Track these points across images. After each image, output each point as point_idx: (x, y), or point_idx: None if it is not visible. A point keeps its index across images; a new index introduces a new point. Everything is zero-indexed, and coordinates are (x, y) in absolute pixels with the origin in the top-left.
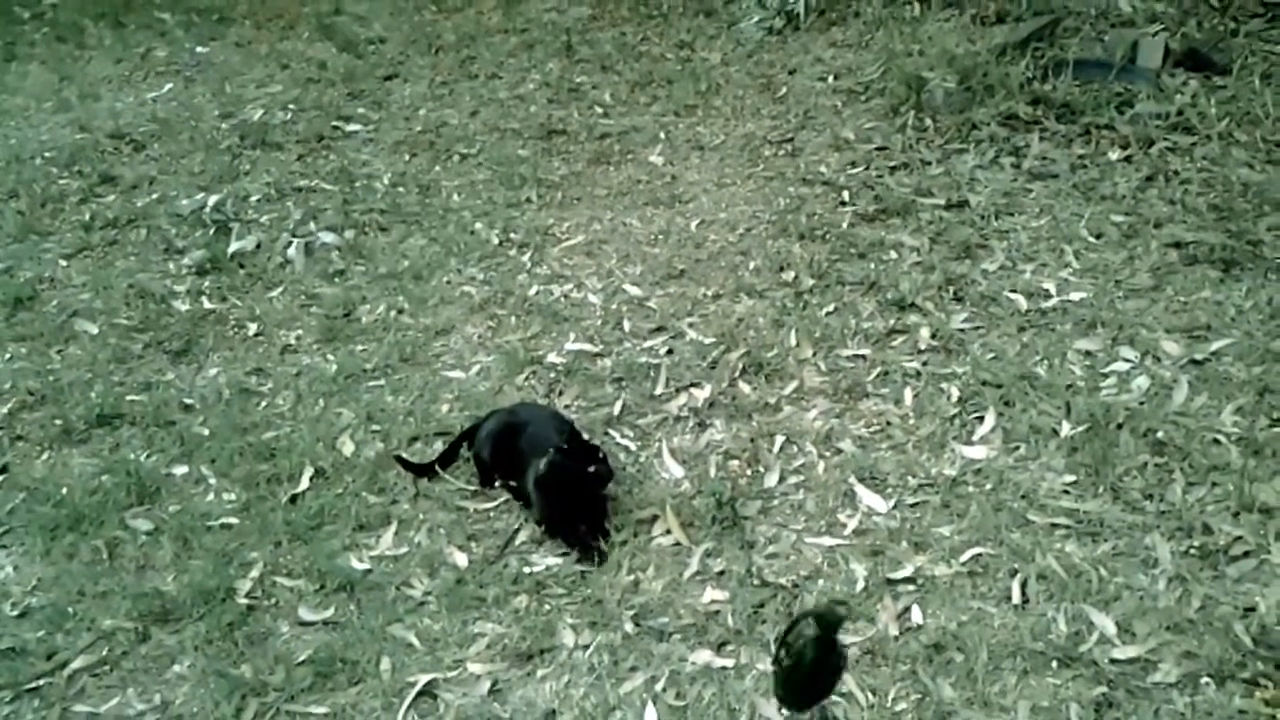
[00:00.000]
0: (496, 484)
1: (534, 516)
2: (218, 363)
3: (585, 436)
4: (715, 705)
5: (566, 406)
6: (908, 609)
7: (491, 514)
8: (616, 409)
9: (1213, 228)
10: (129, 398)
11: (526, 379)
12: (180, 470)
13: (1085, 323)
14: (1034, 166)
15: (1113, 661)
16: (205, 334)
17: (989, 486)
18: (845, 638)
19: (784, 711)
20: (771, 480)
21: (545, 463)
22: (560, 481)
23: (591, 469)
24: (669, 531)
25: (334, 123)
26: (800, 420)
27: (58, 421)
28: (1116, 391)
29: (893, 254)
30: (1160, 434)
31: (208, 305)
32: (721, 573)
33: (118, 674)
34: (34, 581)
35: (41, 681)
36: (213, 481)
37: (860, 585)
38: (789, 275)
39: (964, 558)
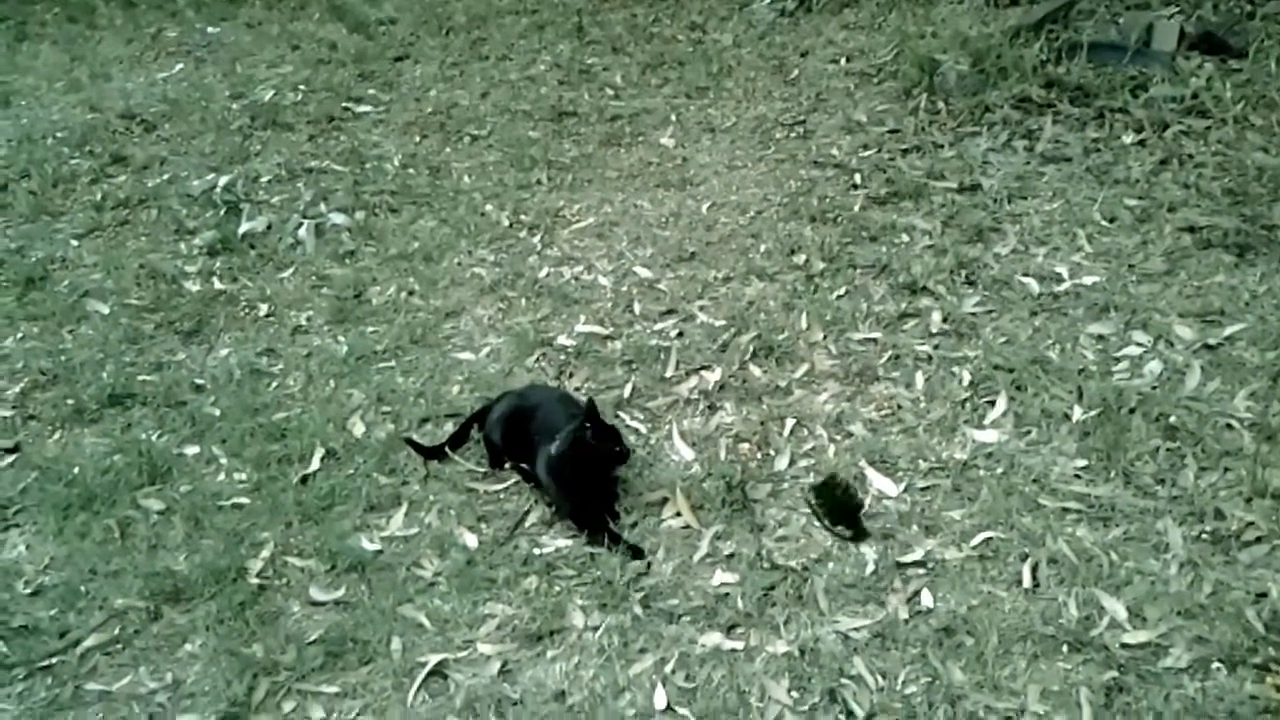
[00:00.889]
0: (507, 466)
1: (547, 498)
2: (229, 343)
3: None
4: (724, 687)
5: (577, 389)
6: (918, 593)
7: (501, 495)
8: (626, 391)
9: (1227, 212)
10: (140, 378)
11: (537, 361)
12: (191, 450)
13: (1098, 307)
14: (1047, 150)
15: (1123, 646)
16: (216, 314)
17: (1000, 470)
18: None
19: (843, 533)
20: (782, 463)
21: (563, 440)
22: (577, 461)
23: (617, 449)
24: (679, 514)
25: (345, 104)
26: (811, 403)
27: (70, 401)
28: (1129, 376)
29: (904, 237)
30: (1172, 419)
31: (219, 286)
32: (731, 555)
33: (129, 652)
34: (46, 560)
35: (54, 659)
36: (224, 462)
37: (870, 569)
38: (800, 258)
39: (974, 541)
